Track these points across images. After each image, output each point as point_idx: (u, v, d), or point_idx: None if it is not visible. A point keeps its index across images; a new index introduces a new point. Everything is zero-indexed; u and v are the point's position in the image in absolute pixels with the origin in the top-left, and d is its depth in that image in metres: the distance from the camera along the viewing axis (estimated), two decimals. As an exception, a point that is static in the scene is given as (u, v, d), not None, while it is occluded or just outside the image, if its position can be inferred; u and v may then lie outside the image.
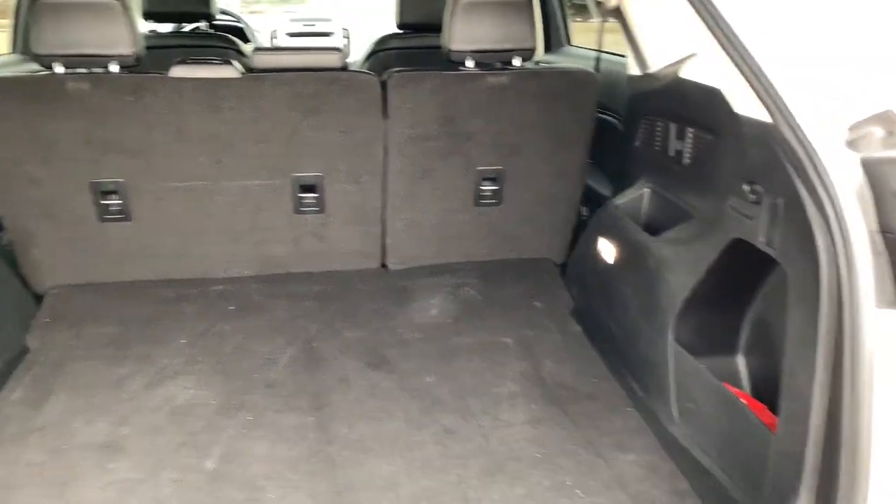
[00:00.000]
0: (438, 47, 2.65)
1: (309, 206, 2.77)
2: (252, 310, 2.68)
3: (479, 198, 2.85)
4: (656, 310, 2.08)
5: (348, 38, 5.59)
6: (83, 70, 2.45)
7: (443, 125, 2.65)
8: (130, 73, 2.48)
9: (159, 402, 2.15)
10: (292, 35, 5.49)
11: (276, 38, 5.47)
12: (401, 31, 3.96)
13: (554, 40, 4.13)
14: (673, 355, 2.01)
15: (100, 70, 2.45)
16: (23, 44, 3.77)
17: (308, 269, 2.92)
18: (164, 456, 1.92)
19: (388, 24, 5.82)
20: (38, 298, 2.70)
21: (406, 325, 2.60)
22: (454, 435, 2.02)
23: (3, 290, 2.46)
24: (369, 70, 3.91)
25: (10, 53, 3.77)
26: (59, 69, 2.41)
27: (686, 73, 2.25)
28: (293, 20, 5.64)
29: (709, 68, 2.19)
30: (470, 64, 2.63)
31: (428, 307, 2.73)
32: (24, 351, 2.42)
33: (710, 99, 2.01)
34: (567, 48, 4.13)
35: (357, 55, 5.51)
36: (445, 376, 2.29)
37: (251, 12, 9.18)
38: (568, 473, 1.86)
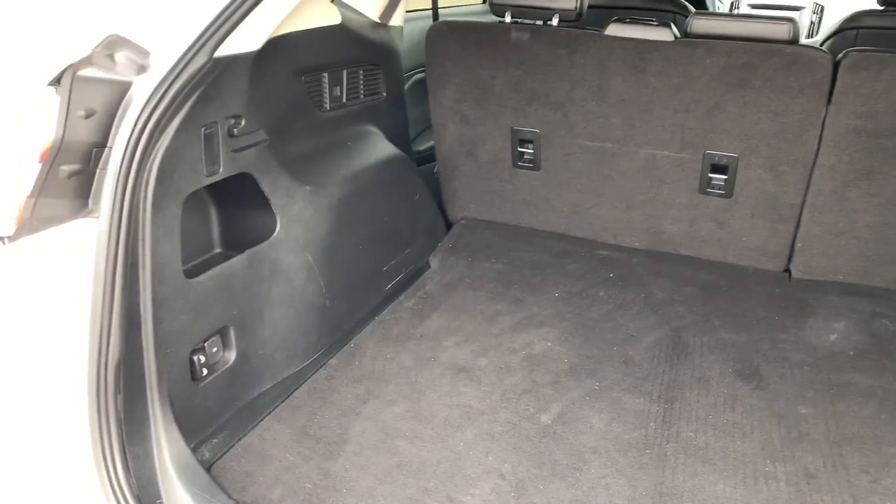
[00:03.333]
0: None
1: (716, 188, 2.56)
2: (630, 282, 2.61)
3: (932, 217, 2.31)
4: None
5: (820, 15, 4.97)
6: (528, 21, 2.59)
7: None
8: (569, 27, 2.54)
9: (519, 346, 2.24)
10: (755, 6, 5.08)
11: (737, 8, 5.12)
12: (881, 8, 3.35)
13: None
14: None
15: (542, 22, 2.56)
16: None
17: (700, 254, 2.73)
18: (509, 396, 2.00)
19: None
20: (448, 226, 3.02)
21: (795, 342, 2.26)
22: (815, 481, 1.71)
23: (423, 213, 2.79)
24: (830, 50, 3.43)
25: (482, 3, 4.19)
26: (507, 18, 2.59)
27: None
28: None
29: None
30: None
31: (828, 330, 2.33)
32: (426, 267, 2.73)
33: None
34: None
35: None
36: (826, 414, 1.94)
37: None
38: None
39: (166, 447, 1.58)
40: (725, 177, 2.52)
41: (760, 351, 2.23)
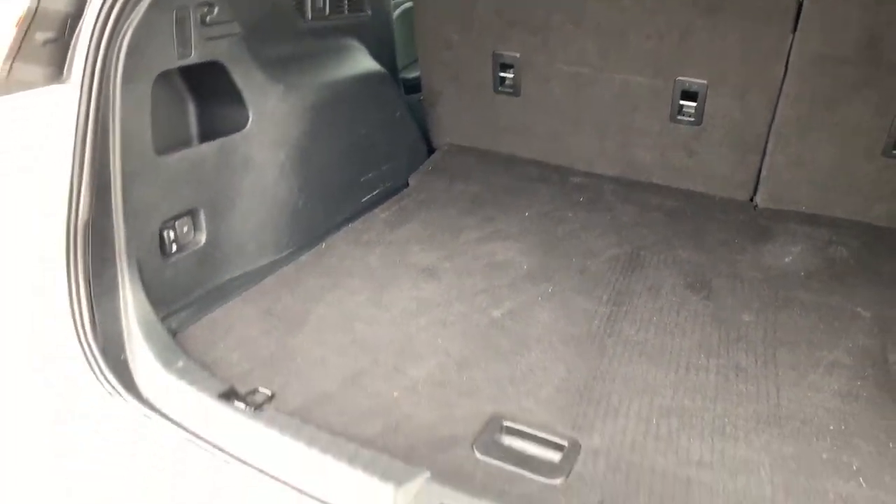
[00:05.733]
0: None
1: (686, 115, 2.63)
2: (599, 207, 2.69)
3: (894, 147, 2.37)
4: None
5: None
6: None
7: (864, 48, 2.23)
8: None
9: (483, 254, 2.34)
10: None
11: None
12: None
13: None
14: None
15: None
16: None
17: (670, 183, 2.81)
18: (465, 294, 2.09)
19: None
20: (431, 151, 3.11)
21: (750, 262, 2.35)
22: (743, 373, 1.81)
23: (403, 131, 2.87)
24: None
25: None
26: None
27: None
28: None
29: None
30: None
31: (783, 253, 2.41)
32: (404, 185, 2.82)
33: None
34: None
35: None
36: (767, 321, 2.03)
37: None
38: (858, 456, 1.54)
39: (133, 308, 1.70)
40: (695, 104, 2.59)
41: (715, 268, 2.32)
